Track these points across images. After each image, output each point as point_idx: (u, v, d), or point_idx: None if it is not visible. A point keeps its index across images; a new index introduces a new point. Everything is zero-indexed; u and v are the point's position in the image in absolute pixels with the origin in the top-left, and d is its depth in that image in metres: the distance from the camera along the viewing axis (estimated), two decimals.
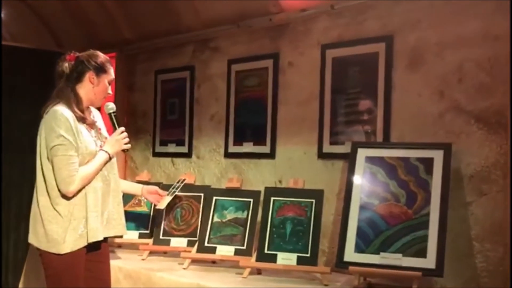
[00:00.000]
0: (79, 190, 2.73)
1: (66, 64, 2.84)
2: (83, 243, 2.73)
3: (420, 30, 3.14)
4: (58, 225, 2.70)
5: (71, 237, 2.70)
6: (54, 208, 2.71)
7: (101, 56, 2.88)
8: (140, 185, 3.54)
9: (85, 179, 2.73)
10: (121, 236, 3.34)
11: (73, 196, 2.71)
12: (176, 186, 3.64)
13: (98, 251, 2.87)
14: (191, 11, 4.23)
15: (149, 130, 4.84)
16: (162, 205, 3.54)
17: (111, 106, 3.01)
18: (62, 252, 2.69)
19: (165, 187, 3.69)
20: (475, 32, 2.92)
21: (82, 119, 2.78)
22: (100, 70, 2.84)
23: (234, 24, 3.99)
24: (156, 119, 4.76)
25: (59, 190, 2.70)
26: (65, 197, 2.71)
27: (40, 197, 2.74)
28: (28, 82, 4.88)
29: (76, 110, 2.77)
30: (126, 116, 5.02)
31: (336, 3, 3.43)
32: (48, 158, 2.71)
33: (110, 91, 2.92)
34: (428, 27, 3.11)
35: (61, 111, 2.71)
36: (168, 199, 3.54)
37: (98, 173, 2.80)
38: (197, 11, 4.19)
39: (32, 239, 2.78)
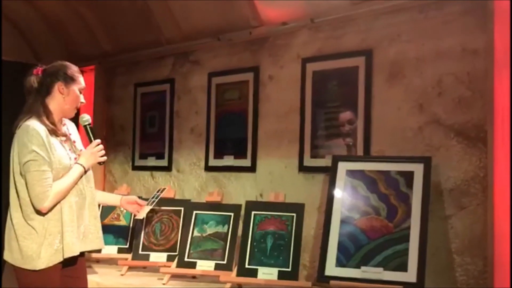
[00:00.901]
0: (54, 205, 2.68)
1: (33, 78, 2.79)
2: (59, 259, 2.68)
3: (400, 44, 3.16)
4: (33, 241, 2.65)
5: (46, 253, 2.65)
6: (29, 224, 2.66)
7: (68, 66, 2.84)
8: (119, 196, 3.46)
9: (60, 194, 2.68)
10: (99, 251, 3.29)
11: (48, 211, 2.67)
12: (156, 196, 3.58)
13: (75, 266, 2.82)
14: (171, 23, 4.22)
15: (128, 143, 4.80)
16: (141, 215, 3.46)
17: (86, 118, 2.96)
18: (37, 268, 2.64)
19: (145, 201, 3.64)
20: (454, 46, 2.95)
21: (54, 132, 2.73)
22: (69, 79, 2.80)
23: (214, 37, 3.99)
24: (136, 132, 4.72)
25: (33, 206, 2.65)
26: (39, 212, 2.66)
27: (14, 213, 2.69)
28: (4, 95, 4.81)
29: (48, 123, 2.72)
30: (105, 129, 4.98)
31: (316, 17, 3.44)
32: (21, 174, 2.66)
33: (82, 100, 2.86)
34: (408, 41, 3.13)
35: (32, 126, 2.66)
36: (147, 209, 3.47)
37: (73, 187, 2.75)
38: (177, 23, 4.18)
39: (7, 256, 2.72)
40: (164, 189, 3.66)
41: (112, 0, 4.39)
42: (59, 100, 2.79)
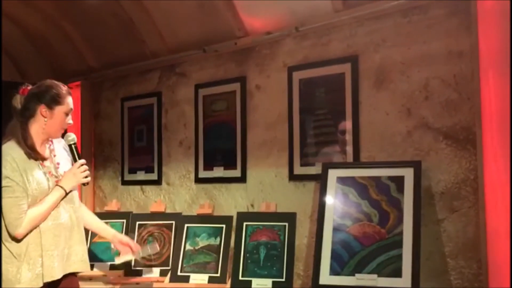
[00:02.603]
0: (30, 231, 2.62)
1: (18, 99, 2.72)
2: (40, 284, 2.62)
3: (385, 49, 3.16)
4: (13, 265, 2.60)
5: (27, 277, 2.59)
6: (7, 248, 2.61)
7: (54, 87, 2.73)
8: (113, 231, 3.18)
9: (35, 220, 2.62)
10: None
11: (24, 237, 2.61)
12: (146, 253, 3.41)
13: (64, 287, 2.76)
14: (156, 37, 4.20)
15: (117, 158, 4.77)
16: (120, 260, 3.24)
17: (71, 138, 2.87)
18: None
19: (135, 216, 3.60)
20: (439, 49, 2.95)
21: (32, 156, 2.67)
22: (53, 102, 2.70)
23: (200, 49, 3.97)
24: (124, 146, 4.69)
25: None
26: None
27: None
28: None
29: (25, 147, 2.65)
30: (93, 145, 4.95)
31: (300, 26, 3.44)
32: None
33: (70, 121, 2.77)
34: (393, 46, 3.13)
35: (8, 151, 2.61)
36: (129, 257, 3.25)
37: (52, 211, 2.67)
38: (162, 37, 4.17)
39: None
40: (156, 254, 3.54)
41: (96, 15, 4.37)
42: (41, 123, 2.71)
